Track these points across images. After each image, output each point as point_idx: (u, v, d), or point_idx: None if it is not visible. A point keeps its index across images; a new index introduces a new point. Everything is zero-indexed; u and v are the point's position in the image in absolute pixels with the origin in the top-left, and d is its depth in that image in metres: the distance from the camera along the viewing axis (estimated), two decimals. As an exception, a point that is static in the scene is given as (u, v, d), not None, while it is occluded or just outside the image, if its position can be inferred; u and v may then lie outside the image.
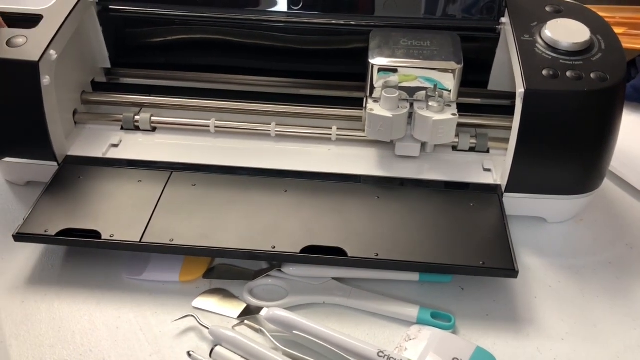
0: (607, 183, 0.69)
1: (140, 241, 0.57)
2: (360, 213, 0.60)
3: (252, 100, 0.71)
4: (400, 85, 0.63)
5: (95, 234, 0.58)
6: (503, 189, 0.63)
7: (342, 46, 0.71)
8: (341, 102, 0.71)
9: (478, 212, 0.61)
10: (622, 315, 0.57)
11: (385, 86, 0.63)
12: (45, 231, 0.58)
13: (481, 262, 0.55)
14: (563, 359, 0.53)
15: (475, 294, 0.58)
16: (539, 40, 0.62)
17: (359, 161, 0.67)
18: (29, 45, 0.61)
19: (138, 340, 0.54)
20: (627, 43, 0.81)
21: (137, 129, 0.70)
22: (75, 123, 0.70)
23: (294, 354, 0.51)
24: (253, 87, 0.74)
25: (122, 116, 0.70)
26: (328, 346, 0.51)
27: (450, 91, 0.63)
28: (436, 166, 0.66)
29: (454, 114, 0.62)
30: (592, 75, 0.58)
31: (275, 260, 0.59)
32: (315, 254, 0.56)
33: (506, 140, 0.62)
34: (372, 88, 0.64)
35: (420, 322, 0.55)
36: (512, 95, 0.62)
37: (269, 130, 0.69)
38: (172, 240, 0.57)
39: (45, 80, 0.60)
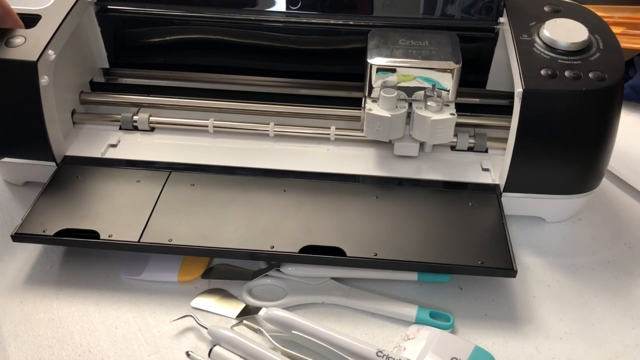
0: (605, 183, 0.69)
1: (138, 241, 0.57)
2: (359, 213, 0.60)
3: (250, 100, 0.71)
4: (398, 85, 0.63)
5: (94, 234, 0.57)
6: (501, 188, 0.63)
7: (341, 46, 0.71)
8: (340, 102, 0.71)
9: (477, 211, 0.61)
10: (620, 315, 0.57)
11: (384, 86, 0.63)
12: (44, 231, 0.58)
13: (480, 262, 0.55)
14: (562, 359, 0.53)
15: (474, 294, 0.58)
16: (537, 40, 0.62)
17: (357, 161, 0.67)
18: (27, 45, 0.61)
19: (137, 341, 0.54)
20: (625, 43, 0.82)
21: (135, 129, 0.70)
22: (74, 123, 0.70)
23: (293, 354, 0.51)
24: (252, 87, 0.74)
25: (120, 116, 0.70)
26: (327, 346, 0.51)
27: (448, 91, 0.63)
28: (435, 166, 0.66)
29: (452, 114, 0.62)
30: (590, 75, 0.58)
31: (274, 260, 0.59)
32: (314, 254, 0.56)
33: (505, 140, 0.62)
34: (371, 88, 0.64)
35: (418, 321, 0.55)
36: (510, 95, 0.62)
37: (268, 130, 0.69)
38: (171, 240, 0.57)
39: (44, 80, 0.60)
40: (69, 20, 0.65)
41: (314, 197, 0.62)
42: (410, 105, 0.64)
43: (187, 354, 0.52)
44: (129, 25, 0.73)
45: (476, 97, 0.72)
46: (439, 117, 0.62)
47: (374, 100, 0.64)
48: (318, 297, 0.57)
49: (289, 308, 0.56)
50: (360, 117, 0.68)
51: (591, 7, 0.67)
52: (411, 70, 0.63)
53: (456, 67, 0.62)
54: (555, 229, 0.65)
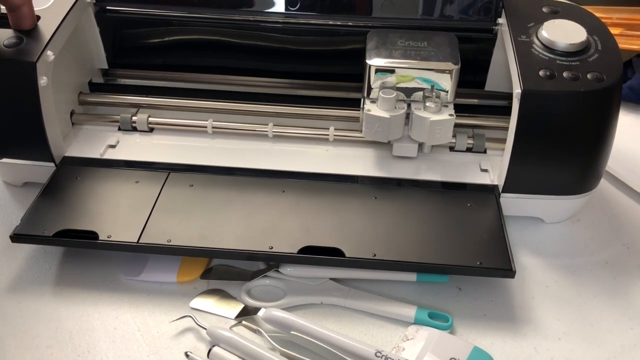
0: (604, 183, 0.69)
1: (137, 242, 0.57)
2: (357, 213, 0.60)
3: (249, 101, 0.71)
4: (397, 85, 0.63)
5: (93, 235, 0.57)
6: (500, 189, 0.63)
7: (340, 47, 0.71)
8: (339, 102, 0.71)
9: (475, 212, 0.61)
10: (619, 315, 0.57)
11: (383, 87, 0.63)
12: (43, 232, 0.58)
13: (478, 262, 0.56)
14: (560, 359, 0.53)
15: (473, 294, 0.58)
16: (536, 40, 0.62)
17: (356, 162, 0.67)
18: (26, 45, 0.61)
19: (136, 341, 0.54)
20: (623, 44, 0.82)
21: (134, 129, 0.70)
22: (73, 124, 0.70)
23: (292, 355, 0.51)
24: (250, 88, 0.74)
25: (119, 117, 0.70)
26: (326, 346, 0.51)
27: (447, 92, 0.63)
28: (433, 166, 0.66)
29: (451, 115, 0.62)
30: (588, 76, 0.58)
31: (272, 261, 0.59)
32: (313, 255, 0.56)
33: (503, 141, 0.62)
34: (370, 89, 0.64)
35: (417, 322, 0.55)
36: (509, 96, 0.62)
37: (267, 131, 0.69)
38: (170, 240, 0.57)
39: (43, 81, 0.60)
40: (68, 21, 0.65)
41: (312, 197, 0.62)
42: (409, 106, 0.64)
43: (186, 354, 0.52)
44: (127, 26, 0.73)
45: (475, 97, 0.72)
46: (438, 117, 0.62)
47: (373, 101, 0.64)
48: (317, 298, 0.57)
49: (287, 308, 0.56)
50: (359, 117, 0.68)
51: (589, 8, 0.67)
52: (410, 71, 0.63)
53: (455, 68, 0.62)
54: (553, 230, 0.65)
